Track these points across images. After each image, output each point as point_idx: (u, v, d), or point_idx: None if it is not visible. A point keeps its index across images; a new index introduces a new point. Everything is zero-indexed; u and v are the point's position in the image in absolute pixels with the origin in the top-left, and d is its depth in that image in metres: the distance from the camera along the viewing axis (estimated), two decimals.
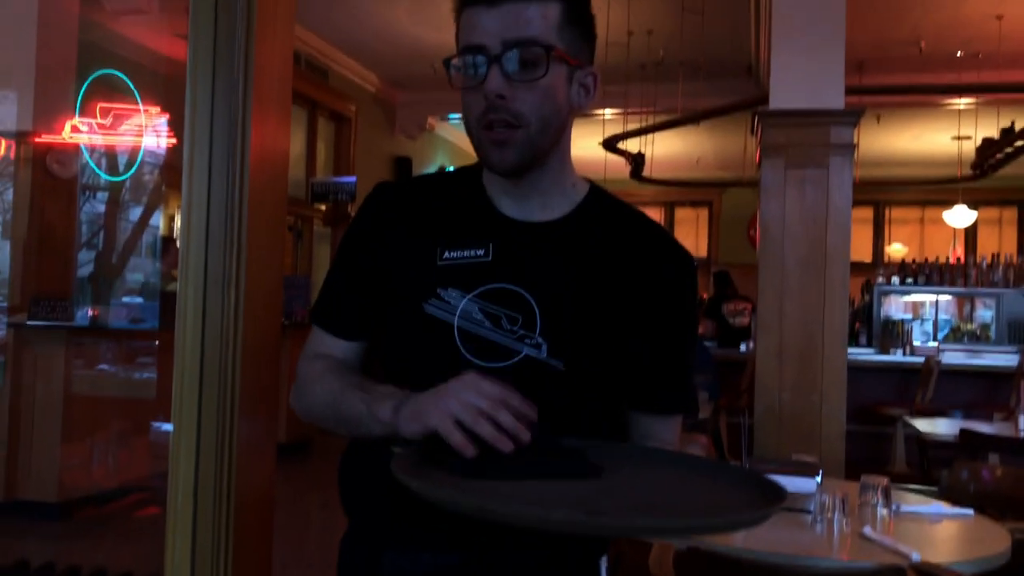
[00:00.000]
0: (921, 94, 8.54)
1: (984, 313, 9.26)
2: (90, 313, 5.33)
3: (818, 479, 2.24)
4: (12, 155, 5.33)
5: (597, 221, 1.20)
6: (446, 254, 1.15)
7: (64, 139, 5.41)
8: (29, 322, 4.83)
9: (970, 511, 2.30)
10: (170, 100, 5.89)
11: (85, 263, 6.52)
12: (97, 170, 6.21)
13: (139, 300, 6.43)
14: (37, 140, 5.26)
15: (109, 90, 5.81)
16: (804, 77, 4.04)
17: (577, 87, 1.15)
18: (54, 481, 4.70)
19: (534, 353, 1.10)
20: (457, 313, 1.12)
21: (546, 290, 1.13)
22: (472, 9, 1.09)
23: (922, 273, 8.51)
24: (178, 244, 1.39)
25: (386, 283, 1.18)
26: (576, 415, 1.13)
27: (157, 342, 5.39)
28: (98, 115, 5.63)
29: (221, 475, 1.25)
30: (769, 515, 0.89)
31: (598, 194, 1.23)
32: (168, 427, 1.31)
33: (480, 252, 1.15)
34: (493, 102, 1.07)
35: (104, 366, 5.29)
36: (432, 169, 11.55)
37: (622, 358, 1.15)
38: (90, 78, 5.69)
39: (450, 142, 12.20)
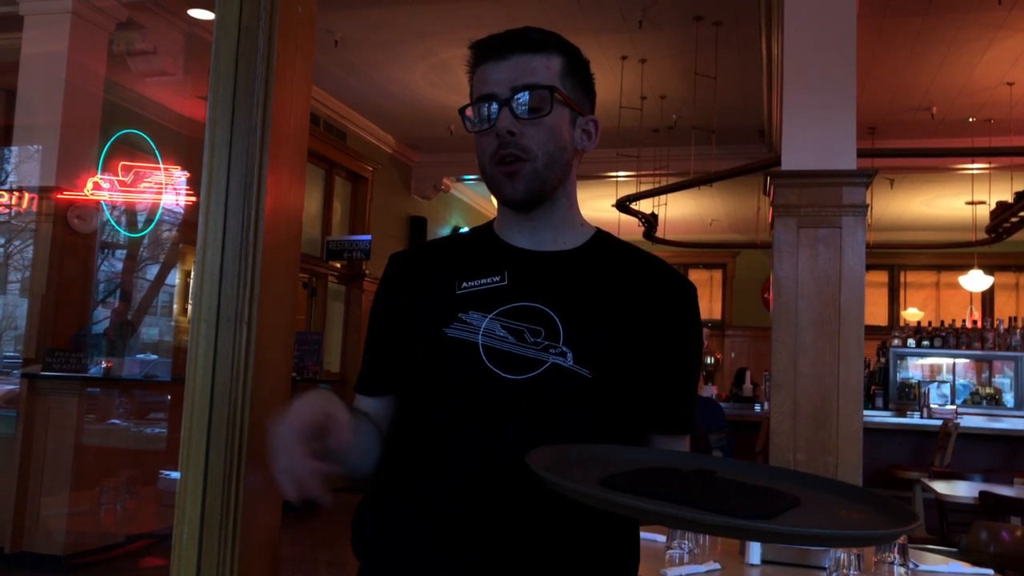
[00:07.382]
0: (933, 157, 8.60)
1: (1002, 377, 9.16)
2: (104, 365, 5.35)
3: None
4: (35, 209, 5.42)
5: (606, 254, 1.26)
6: (464, 285, 1.20)
7: (86, 195, 5.50)
8: (43, 373, 4.85)
9: (990, 571, 2.24)
10: (190, 159, 6.00)
11: (101, 319, 6.57)
12: (116, 226, 6.31)
13: (153, 357, 6.47)
14: (59, 196, 5.36)
15: (131, 149, 5.93)
16: (816, 139, 4.05)
17: (580, 132, 1.24)
18: (61, 533, 4.66)
19: (560, 361, 1.13)
20: (480, 332, 1.15)
21: (565, 304, 1.17)
22: (484, 65, 1.20)
23: (938, 336, 8.44)
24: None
25: (407, 327, 1.21)
26: (605, 423, 1.15)
27: (169, 396, 5.40)
28: (119, 173, 5.74)
29: (227, 516, 1.25)
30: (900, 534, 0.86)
31: (605, 235, 1.30)
32: (176, 475, 1.31)
33: (497, 278, 1.20)
34: (504, 138, 1.16)
35: (116, 420, 5.30)
36: (446, 229, 11.65)
37: (639, 373, 1.18)
38: (113, 137, 5.82)
39: (464, 203, 12.31)
